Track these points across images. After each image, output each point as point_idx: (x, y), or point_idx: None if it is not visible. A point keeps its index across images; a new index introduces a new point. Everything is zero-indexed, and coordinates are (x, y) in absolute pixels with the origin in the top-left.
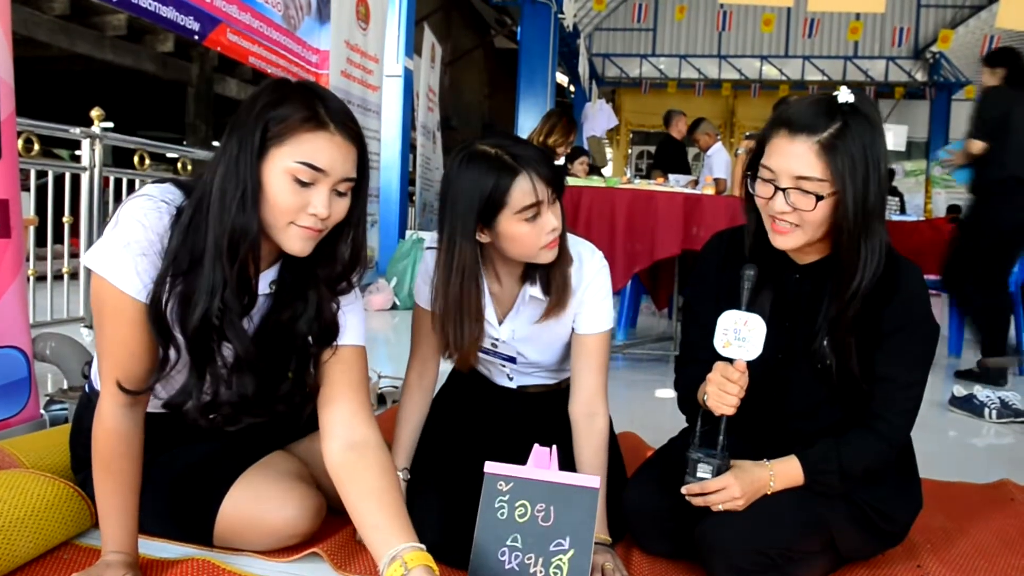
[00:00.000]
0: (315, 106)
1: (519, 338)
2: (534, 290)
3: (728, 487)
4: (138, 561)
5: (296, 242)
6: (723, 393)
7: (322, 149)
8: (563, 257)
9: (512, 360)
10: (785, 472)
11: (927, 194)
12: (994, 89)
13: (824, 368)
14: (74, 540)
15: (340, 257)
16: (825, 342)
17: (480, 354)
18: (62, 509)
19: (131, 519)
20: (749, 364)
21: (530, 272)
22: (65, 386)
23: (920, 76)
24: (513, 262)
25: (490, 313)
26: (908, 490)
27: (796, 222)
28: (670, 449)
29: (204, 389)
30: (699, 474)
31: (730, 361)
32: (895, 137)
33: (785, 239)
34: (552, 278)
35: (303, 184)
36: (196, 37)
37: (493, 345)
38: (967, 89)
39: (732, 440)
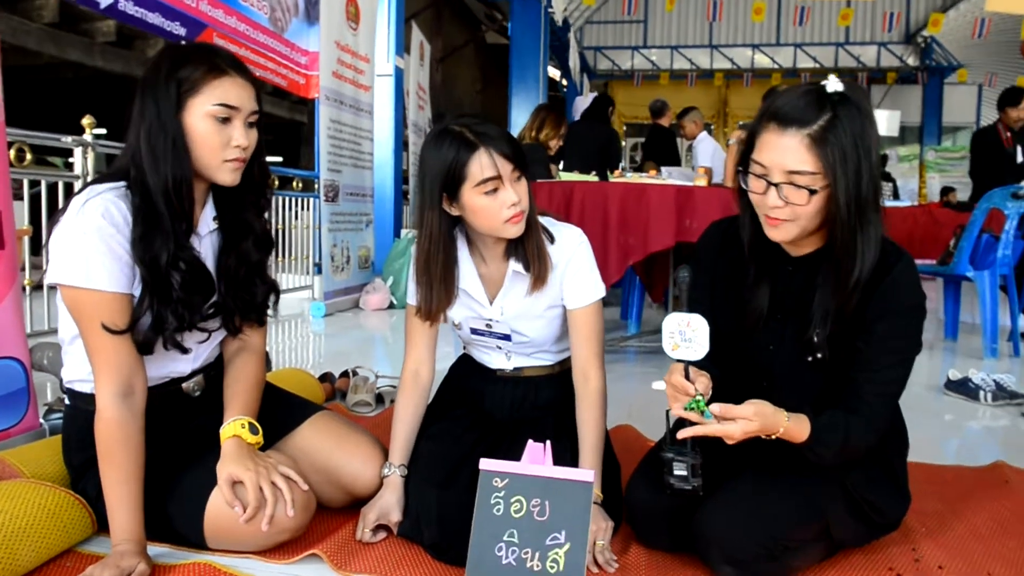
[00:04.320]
0: (213, 59)
1: (511, 315)
2: (517, 266)
3: (750, 419)
4: (146, 548)
5: (228, 175)
6: (678, 396)
7: (230, 90)
8: (533, 231)
9: (507, 338)
10: (795, 428)
11: (921, 178)
12: None
13: (816, 360)
14: (76, 548)
15: (253, 179)
16: (817, 334)
17: (475, 337)
18: (63, 517)
19: (137, 508)
20: (742, 354)
21: (511, 250)
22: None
23: (912, 61)
24: (492, 241)
25: (480, 294)
26: (899, 486)
27: (790, 216)
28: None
29: (166, 316)
30: (676, 472)
31: (684, 364)
32: (888, 123)
33: (779, 231)
34: (527, 250)
35: (222, 121)
36: (183, 42)
37: (488, 326)
38: (959, 72)
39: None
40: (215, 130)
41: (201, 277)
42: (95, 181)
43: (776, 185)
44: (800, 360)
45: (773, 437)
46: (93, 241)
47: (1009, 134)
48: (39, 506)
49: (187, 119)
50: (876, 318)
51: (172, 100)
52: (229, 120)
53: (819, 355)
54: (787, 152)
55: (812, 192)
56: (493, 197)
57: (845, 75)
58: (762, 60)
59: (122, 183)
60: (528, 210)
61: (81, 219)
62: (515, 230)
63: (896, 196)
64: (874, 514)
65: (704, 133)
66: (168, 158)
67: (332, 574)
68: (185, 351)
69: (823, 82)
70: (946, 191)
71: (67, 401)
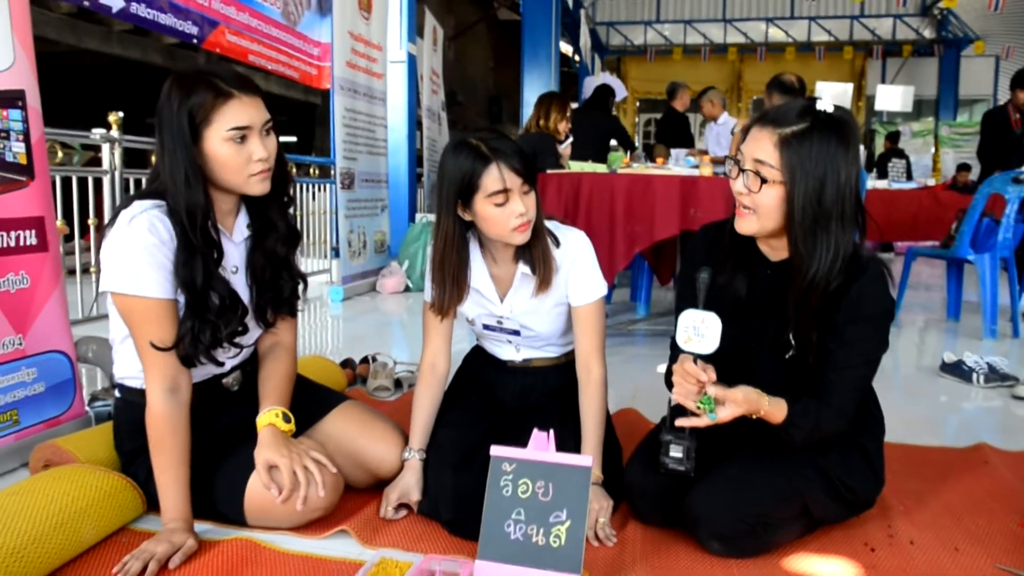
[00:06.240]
0: (216, 84)
1: (519, 312)
2: (525, 268)
3: (738, 404)
4: (193, 526)
5: (257, 186)
6: (687, 385)
7: (239, 112)
8: (540, 237)
9: (516, 333)
10: (774, 411)
11: (936, 154)
12: None
13: (791, 358)
14: (129, 526)
15: (274, 179)
16: (791, 334)
17: (488, 332)
18: (118, 498)
19: (185, 490)
20: (725, 351)
21: (519, 253)
22: (107, 384)
23: (928, 33)
24: (502, 245)
25: (491, 292)
26: (874, 469)
27: (751, 206)
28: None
29: (202, 336)
30: (672, 454)
31: (694, 357)
32: (902, 98)
33: (741, 222)
34: (533, 256)
35: (240, 141)
36: (195, 40)
37: (499, 322)
38: (976, 45)
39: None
40: (235, 151)
41: (231, 301)
42: (138, 196)
43: (743, 171)
44: (778, 357)
45: (754, 417)
46: (141, 254)
47: (1018, 115)
48: (97, 488)
49: (207, 147)
50: (845, 322)
51: (186, 132)
52: (246, 138)
53: (792, 353)
54: (758, 143)
55: (764, 181)
56: (502, 208)
57: (860, 48)
58: (776, 34)
59: (163, 202)
60: (535, 219)
61: (130, 234)
62: (521, 238)
63: (909, 174)
64: (848, 494)
65: (726, 115)
66: (183, 190)
67: (358, 548)
68: (219, 364)
69: (819, 101)
70: (961, 168)
71: (118, 394)
